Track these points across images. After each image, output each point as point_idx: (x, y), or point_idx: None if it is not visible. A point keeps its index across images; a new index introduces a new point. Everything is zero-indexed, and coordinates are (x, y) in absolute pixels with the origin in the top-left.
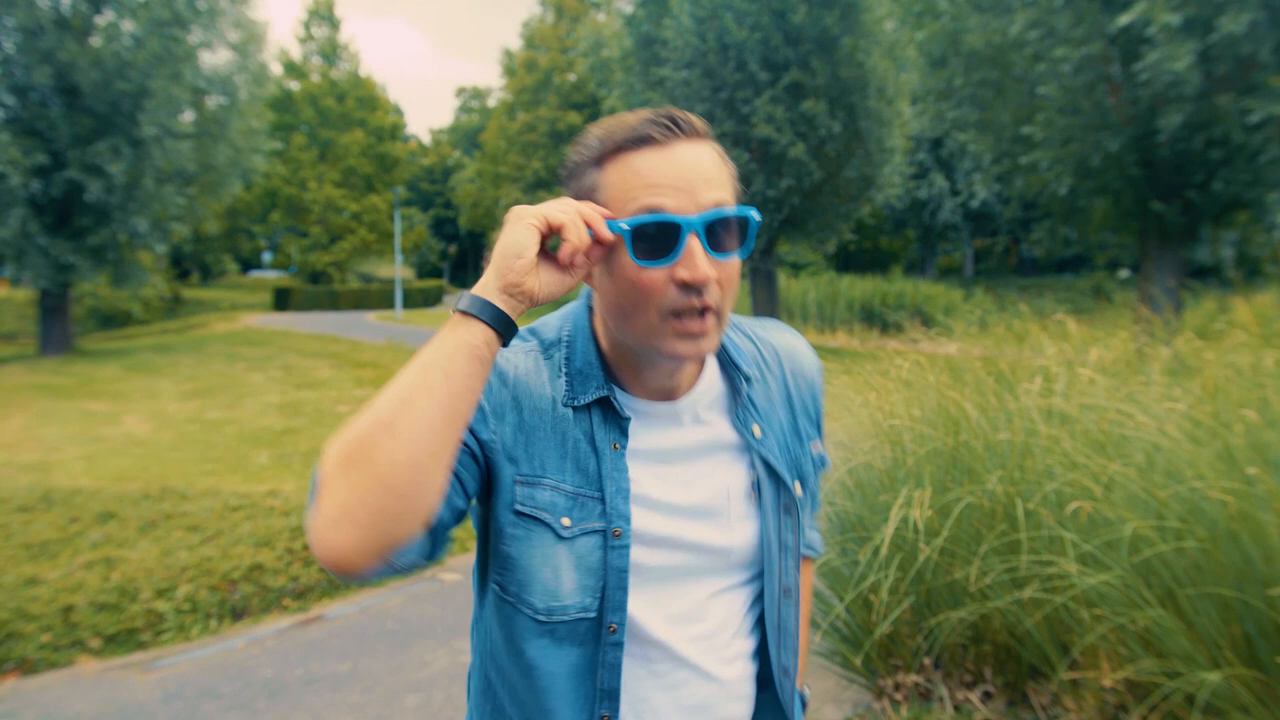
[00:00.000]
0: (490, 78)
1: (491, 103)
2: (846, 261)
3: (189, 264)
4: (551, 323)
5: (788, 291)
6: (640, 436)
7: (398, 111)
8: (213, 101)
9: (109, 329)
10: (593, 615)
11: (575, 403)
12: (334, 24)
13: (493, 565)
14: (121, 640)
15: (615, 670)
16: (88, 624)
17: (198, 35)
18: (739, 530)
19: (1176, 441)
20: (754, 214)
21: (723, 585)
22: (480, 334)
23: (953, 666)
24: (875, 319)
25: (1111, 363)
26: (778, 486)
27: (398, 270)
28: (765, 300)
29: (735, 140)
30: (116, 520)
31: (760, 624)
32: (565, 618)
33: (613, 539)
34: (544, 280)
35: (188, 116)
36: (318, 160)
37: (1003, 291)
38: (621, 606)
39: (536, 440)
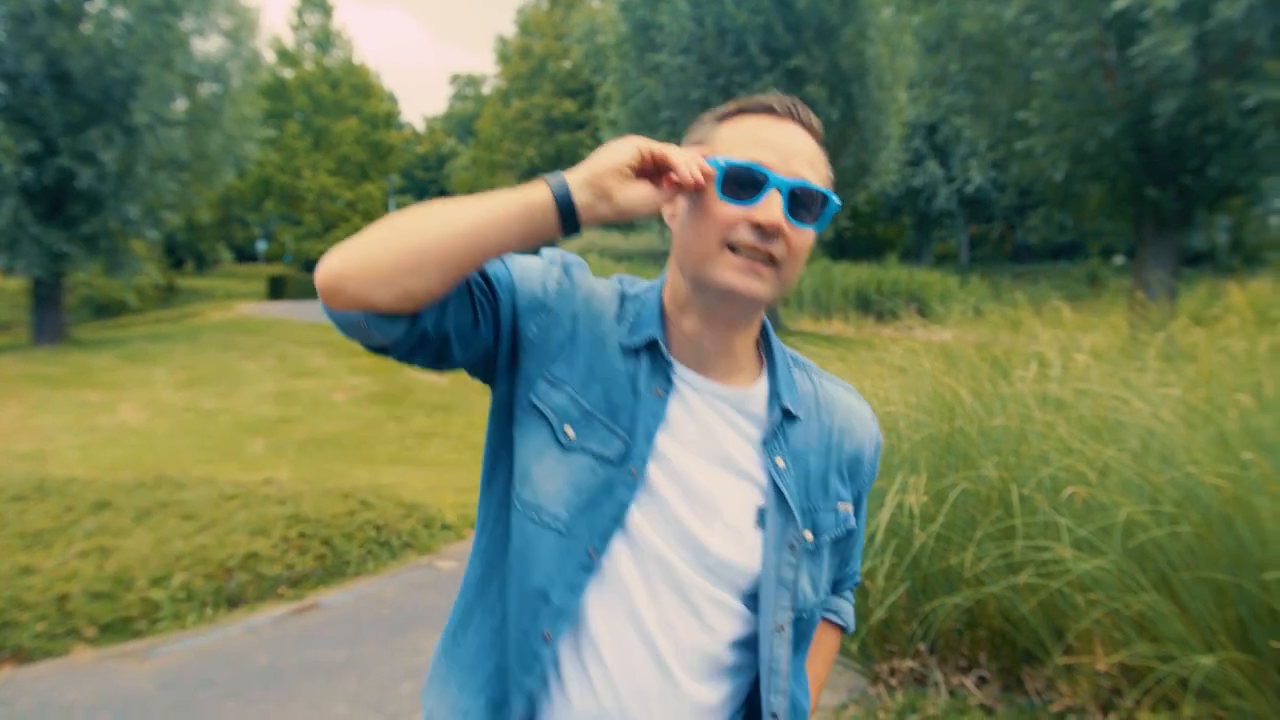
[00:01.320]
0: (485, 65)
1: (486, 90)
2: (842, 248)
3: (183, 253)
4: (640, 284)
5: None
6: (679, 404)
7: (392, 99)
8: (205, 89)
9: (103, 318)
10: (560, 529)
11: (630, 343)
12: (326, 11)
13: (501, 445)
14: (117, 629)
15: (576, 593)
16: (83, 613)
17: (190, 22)
18: (740, 548)
19: (1171, 426)
20: (835, 198)
21: (713, 596)
22: (541, 195)
23: (948, 652)
24: (870, 307)
25: (1106, 348)
26: (786, 520)
27: None
28: None
29: None
30: (111, 509)
31: (745, 663)
32: (537, 519)
33: (628, 475)
34: (630, 191)
35: (180, 104)
36: (311, 148)
37: (998, 278)
38: (607, 536)
39: (579, 355)
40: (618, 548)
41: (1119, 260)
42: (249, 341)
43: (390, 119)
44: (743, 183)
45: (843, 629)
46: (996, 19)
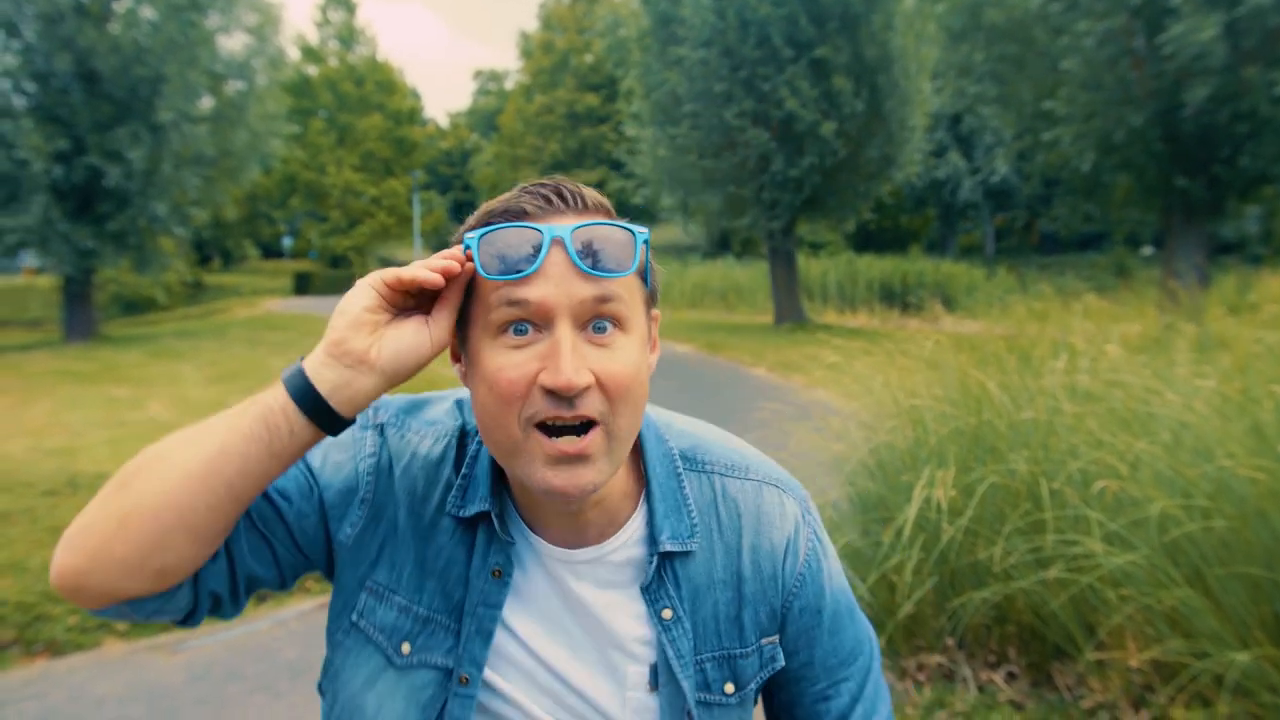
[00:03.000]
0: (507, 60)
1: (509, 85)
2: (866, 240)
3: (210, 249)
4: None
5: (807, 271)
6: (533, 578)
7: (415, 95)
8: (230, 86)
9: (132, 315)
10: None
11: (460, 513)
12: (350, 8)
13: (323, 666)
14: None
15: None
16: None
17: (214, 20)
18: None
19: (1205, 419)
20: (638, 230)
21: None
22: (275, 397)
23: (976, 647)
24: (895, 299)
25: (1137, 339)
26: (675, 689)
27: (416, 254)
28: (784, 280)
29: (755, 119)
30: None
31: None
32: None
33: (458, 685)
34: (391, 342)
35: (207, 102)
36: (336, 145)
37: (1024, 270)
38: None
39: (405, 546)
40: None
41: (1147, 250)
42: (275, 337)
43: (414, 115)
44: (518, 329)
45: None
46: (1022, 7)
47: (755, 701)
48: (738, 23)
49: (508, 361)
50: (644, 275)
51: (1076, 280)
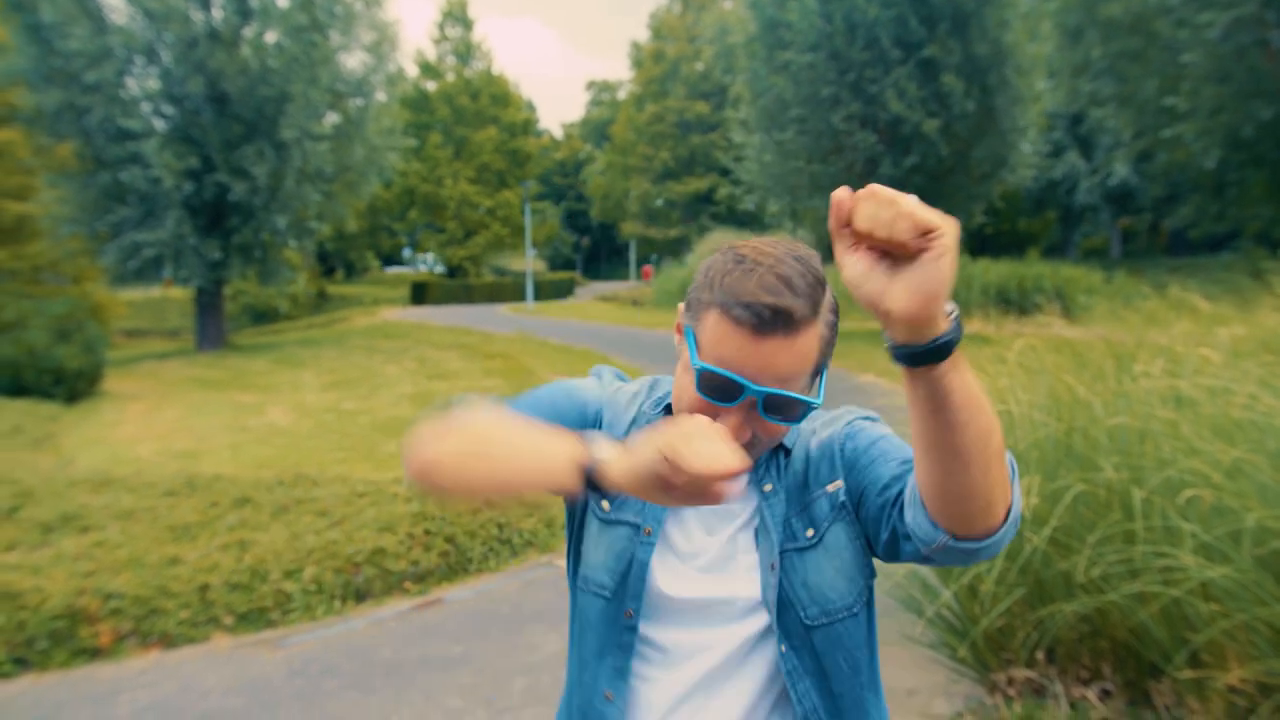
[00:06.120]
0: (619, 71)
1: (621, 95)
2: (982, 245)
3: (334, 261)
4: (662, 387)
5: None
6: None
7: (530, 107)
8: (350, 103)
9: (260, 324)
10: (607, 595)
11: (650, 418)
12: (467, 24)
13: (571, 536)
14: (253, 618)
15: (627, 652)
16: (222, 602)
17: (335, 39)
18: (744, 582)
19: None
20: (815, 400)
21: (736, 636)
22: (579, 458)
23: (1068, 662)
24: (1012, 304)
25: (1244, 343)
26: (768, 542)
27: (529, 263)
28: None
29: (862, 122)
30: (251, 505)
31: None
32: (589, 589)
33: (643, 535)
34: (620, 468)
35: (328, 119)
36: (453, 158)
37: (1152, 273)
38: (638, 596)
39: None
40: (654, 608)
41: None
42: (391, 345)
43: (528, 126)
44: (717, 386)
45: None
46: (1142, 0)
47: (839, 544)
48: (845, 25)
49: (705, 403)
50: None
51: (1206, 283)
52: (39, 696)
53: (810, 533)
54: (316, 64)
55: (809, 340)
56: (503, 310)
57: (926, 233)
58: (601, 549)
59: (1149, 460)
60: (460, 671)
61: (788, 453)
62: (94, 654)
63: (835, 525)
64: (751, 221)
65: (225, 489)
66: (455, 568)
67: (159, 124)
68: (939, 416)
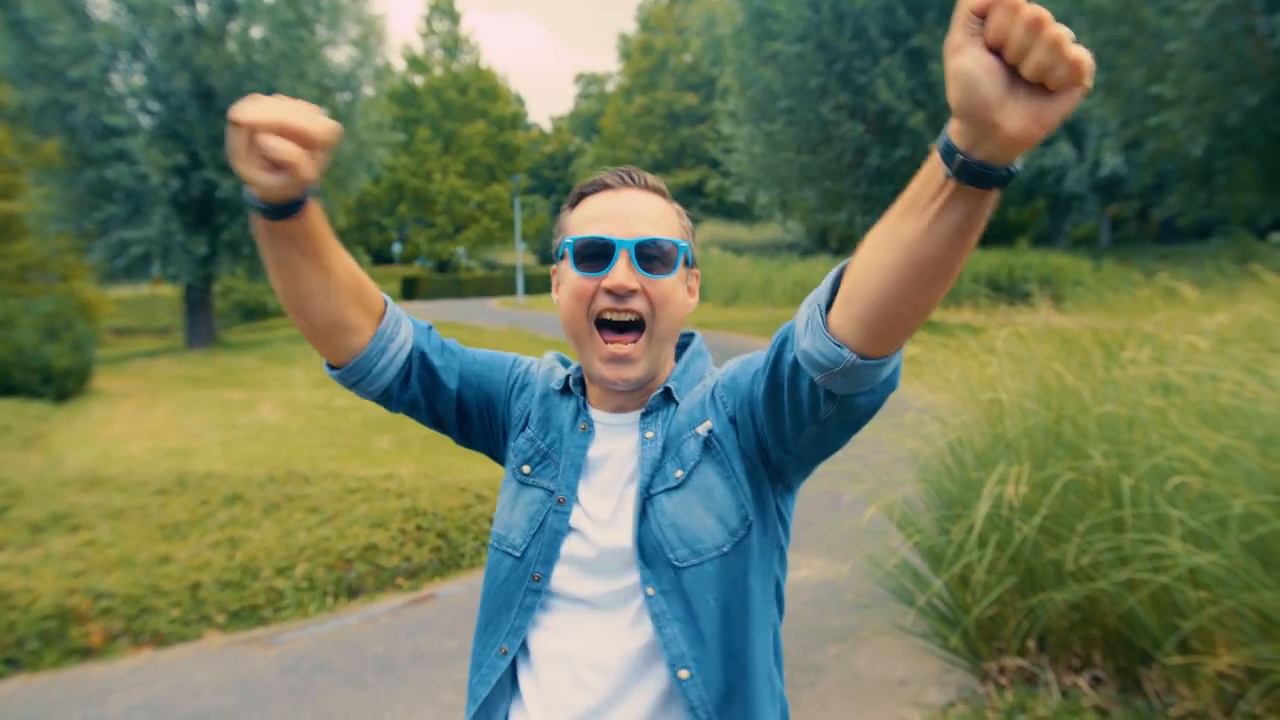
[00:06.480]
0: (608, 64)
1: (610, 88)
2: None
3: None
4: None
5: None
6: (599, 431)
7: (518, 101)
8: (337, 98)
9: (250, 321)
10: (517, 555)
11: (561, 386)
12: (455, 18)
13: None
14: (244, 616)
15: (528, 612)
16: (214, 600)
17: (321, 34)
18: (627, 531)
19: None
20: (684, 243)
21: (619, 584)
22: (258, 221)
23: (1059, 650)
24: (1002, 292)
25: (1229, 329)
26: (638, 485)
27: (519, 257)
28: None
29: (851, 112)
30: (243, 502)
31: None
32: (502, 547)
33: (556, 504)
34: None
35: None
36: (442, 152)
37: (1141, 260)
38: (548, 561)
39: (540, 409)
40: (559, 570)
41: (1277, 238)
42: None
43: (517, 120)
44: (593, 254)
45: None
46: None
47: (707, 481)
48: (833, 15)
49: (587, 279)
50: (688, 261)
51: (1196, 270)
52: (30, 697)
53: (679, 474)
54: (303, 59)
55: (663, 207)
56: (494, 304)
57: (1075, 68)
58: (518, 510)
59: (1137, 448)
60: (453, 666)
61: (677, 405)
62: (85, 654)
63: (703, 464)
64: (742, 213)
65: (216, 487)
66: (447, 563)
67: (145, 120)
68: (961, 238)
